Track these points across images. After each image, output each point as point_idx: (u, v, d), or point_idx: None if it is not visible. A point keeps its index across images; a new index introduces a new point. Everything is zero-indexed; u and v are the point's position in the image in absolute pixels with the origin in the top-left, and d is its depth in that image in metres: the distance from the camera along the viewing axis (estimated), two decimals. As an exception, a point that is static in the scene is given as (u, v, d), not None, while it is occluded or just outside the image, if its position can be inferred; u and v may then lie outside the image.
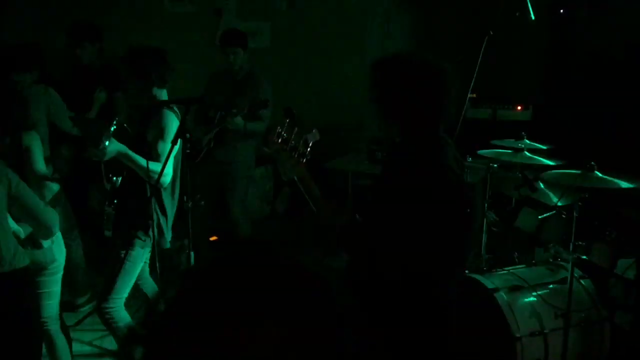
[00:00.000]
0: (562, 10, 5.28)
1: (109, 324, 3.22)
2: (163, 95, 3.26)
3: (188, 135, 3.08)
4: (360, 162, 5.49)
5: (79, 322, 4.23)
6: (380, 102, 2.16)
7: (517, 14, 3.75)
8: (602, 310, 3.41)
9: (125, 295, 3.25)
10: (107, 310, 3.18)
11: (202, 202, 3.85)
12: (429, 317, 2.13)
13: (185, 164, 3.29)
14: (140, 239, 3.20)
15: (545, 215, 3.30)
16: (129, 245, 3.17)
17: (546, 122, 5.34)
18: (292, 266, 0.89)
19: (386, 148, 2.41)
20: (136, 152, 3.06)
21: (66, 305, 3.77)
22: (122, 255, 3.18)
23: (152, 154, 3.10)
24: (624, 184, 3.07)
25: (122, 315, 3.23)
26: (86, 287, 4.45)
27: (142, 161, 3.01)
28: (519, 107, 5.70)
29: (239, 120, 4.26)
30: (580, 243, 3.13)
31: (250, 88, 4.60)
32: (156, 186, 3.07)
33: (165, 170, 3.03)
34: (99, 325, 3.59)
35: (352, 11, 6.90)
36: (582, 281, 3.53)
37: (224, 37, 4.54)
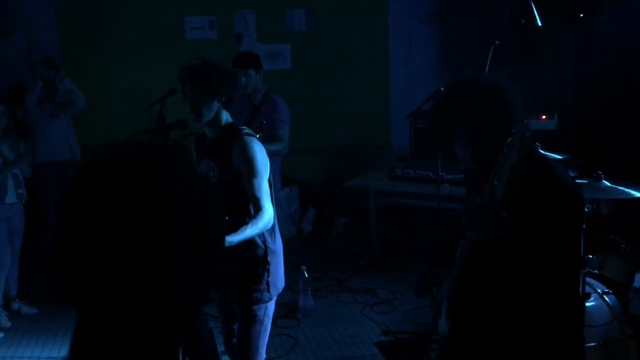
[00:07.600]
0: (581, 15, 5.11)
1: None
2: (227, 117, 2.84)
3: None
4: (381, 180, 5.42)
5: None
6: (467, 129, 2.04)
7: (522, 22, 3.63)
8: (626, 328, 3.22)
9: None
10: None
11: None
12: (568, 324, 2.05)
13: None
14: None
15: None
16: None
17: (571, 131, 5.15)
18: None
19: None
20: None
21: None
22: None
23: (249, 197, 2.69)
24: (637, 194, 2.91)
25: None
26: None
27: (252, 230, 2.64)
28: (544, 117, 5.54)
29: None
30: (590, 257, 2.96)
31: (267, 110, 4.57)
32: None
33: (269, 209, 2.68)
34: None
35: (374, 32, 6.87)
36: (605, 297, 3.35)
37: (234, 59, 4.54)
